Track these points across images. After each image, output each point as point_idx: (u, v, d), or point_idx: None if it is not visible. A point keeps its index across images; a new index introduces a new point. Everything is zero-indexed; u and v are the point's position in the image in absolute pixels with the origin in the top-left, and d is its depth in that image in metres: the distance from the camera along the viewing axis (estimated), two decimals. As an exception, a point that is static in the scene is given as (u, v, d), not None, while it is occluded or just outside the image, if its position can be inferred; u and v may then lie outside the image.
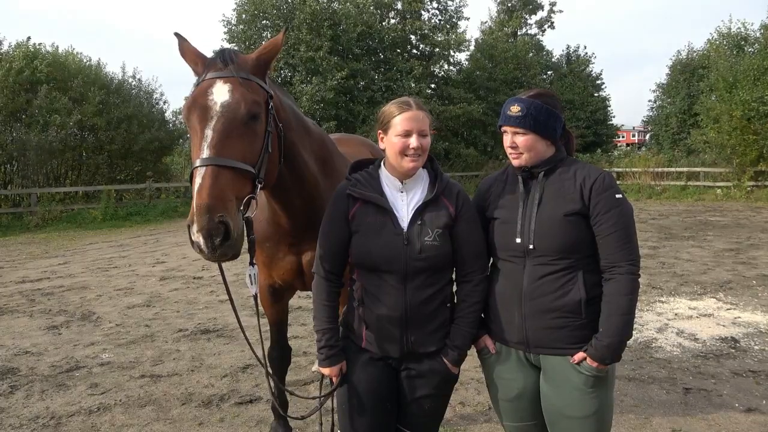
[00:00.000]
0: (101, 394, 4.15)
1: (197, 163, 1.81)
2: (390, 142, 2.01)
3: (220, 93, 1.92)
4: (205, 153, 1.81)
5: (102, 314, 6.36)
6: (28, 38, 17.94)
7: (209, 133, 1.85)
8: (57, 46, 18.90)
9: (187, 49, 2.17)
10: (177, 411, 3.85)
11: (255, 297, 2.11)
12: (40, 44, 18.09)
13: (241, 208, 1.83)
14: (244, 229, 1.86)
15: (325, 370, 2.10)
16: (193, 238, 1.74)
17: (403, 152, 1.98)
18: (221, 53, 2.05)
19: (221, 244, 1.73)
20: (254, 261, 2.04)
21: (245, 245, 1.92)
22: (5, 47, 17.29)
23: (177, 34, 2.20)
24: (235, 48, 2.37)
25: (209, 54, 2.14)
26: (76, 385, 4.33)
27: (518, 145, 2.02)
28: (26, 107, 16.46)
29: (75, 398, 4.09)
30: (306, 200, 2.52)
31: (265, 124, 2.01)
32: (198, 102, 1.93)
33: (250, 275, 2.04)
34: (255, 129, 1.95)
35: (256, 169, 1.92)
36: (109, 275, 8.60)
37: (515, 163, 2.07)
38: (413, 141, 1.97)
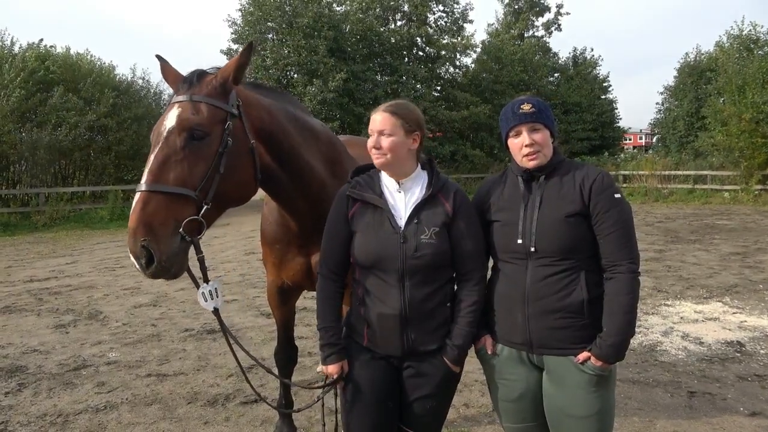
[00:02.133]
0: (108, 392, 4.19)
1: (137, 188, 1.92)
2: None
3: (171, 118, 1.98)
4: (143, 179, 1.90)
5: (109, 313, 6.41)
6: (41, 40, 18.18)
7: (151, 158, 1.94)
8: (68, 48, 19.14)
9: (168, 72, 2.20)
10: (183, 410, 3.89)
11: (216, 311, 2.09)
12: (51, 46, 18.32)
13: (180, 230, 1.87)
14: (182, 249, 1.90)
15: (327, 368, 2.13)
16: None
17: (371, 149, 2.10)
18: (188, 75, 2.10)
19: (147, 267, 1.83)
20: (209, 278, 2.07)
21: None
22: (17, 49, 17.50)
23: (159, 57, 2.24)
24: (236, 49, 2.39)
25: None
26: (83, 383, 4.38)
27: (537, 141, 2.02)
28: (37, 107, 16.62)
29: (82, 396, 4.13)
30: (312, 203, 2.53)
31: (217, 144, 1.99)
32: (156, 128, 2.02)
33: (203, 292, 2.05)
34: (198, 152, 1.95)
35: (199, 191, 1.93)
36: (116, 275, 8.67)
37: (533, 164, 2.04)
38: (372, 141, 2.08)
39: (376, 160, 2.09)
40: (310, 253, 2.74)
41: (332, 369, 2.12)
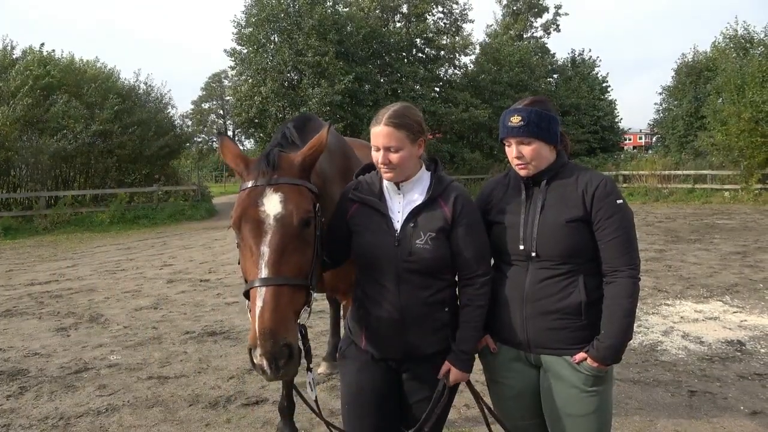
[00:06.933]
0: (109, 395, 4.20)
1: (256, 282, 1.80)
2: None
3: (272, 204, 1.87)
4: (264, 272, 1.80)
5: (110, 316, 6.42)
6: (42, 44, 18.24)
7: (265, 250, 1.82)
8: (72, 54, 19.22)
9: (228, 150, 2.07)
10: (184, 412, 3.89)
11: (315, 401, 2.17)
12: (52, 51, 18.39)
13: (298, 321, 1.85)
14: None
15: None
16: (256, 361, 1.74)
17: (377, 164, 2.05)
18: (266, 157, 1.98)
19: (285, 365, 1.74)
20: (311, 367, 2.07)
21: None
22: (18, 53, 17.56)
23: (220, 134, 2.16)
24: (286, 142, 2.06)
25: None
26: (85, 386, 4.38)
27: (525, 155, 2.01)
28: (43, 113, 16.64)
29: (83, 399, 4.14)
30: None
31: (315, 228, 1.95)
32: (249, 214, 1.87)
33: (309, 382, 2.06)
34: (307, 238, 1.91)
35: (310, 278, 1.91)
36: (117, 278, 8.67)
37: (523, 173, 2.06)
38: (380, 157, 2.01)
39: (385, 174, 2.04)
40: None
41: None
